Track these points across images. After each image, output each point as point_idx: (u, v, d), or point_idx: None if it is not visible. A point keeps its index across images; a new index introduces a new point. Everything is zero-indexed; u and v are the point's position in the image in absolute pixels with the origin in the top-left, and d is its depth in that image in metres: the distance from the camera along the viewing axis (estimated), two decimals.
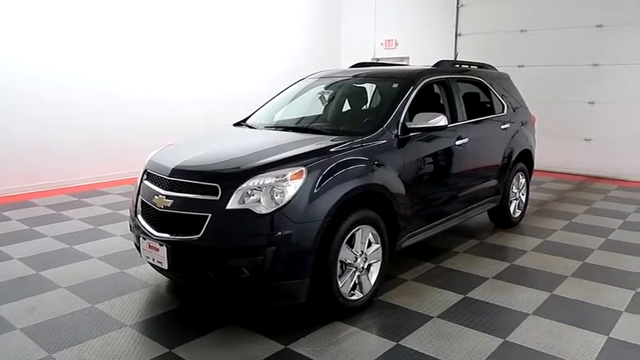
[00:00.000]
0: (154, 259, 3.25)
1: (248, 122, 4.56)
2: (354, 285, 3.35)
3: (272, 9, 9.73)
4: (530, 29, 8.80)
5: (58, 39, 6.95)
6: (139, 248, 3.45)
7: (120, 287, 3.81)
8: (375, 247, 3.46)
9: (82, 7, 7.13)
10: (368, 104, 4.75)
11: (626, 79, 7.94)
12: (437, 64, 4.75)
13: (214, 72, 8.85)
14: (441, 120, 3.77)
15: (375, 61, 9.30)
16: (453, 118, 4.41)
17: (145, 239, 3.30)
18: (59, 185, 7.09)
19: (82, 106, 7.27)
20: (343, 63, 10.54)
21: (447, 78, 4.58)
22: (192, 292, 3.72)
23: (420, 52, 9.80)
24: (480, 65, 5.49)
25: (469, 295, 3.72)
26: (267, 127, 4.32)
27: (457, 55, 9.34)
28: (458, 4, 9.55)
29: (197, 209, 3.06)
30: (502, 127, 5.15)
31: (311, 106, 4.85)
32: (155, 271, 3.75)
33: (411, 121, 3.85)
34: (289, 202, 2.97)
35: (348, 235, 3.22)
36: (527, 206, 5.84)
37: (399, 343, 3.03)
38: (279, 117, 4.64)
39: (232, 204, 2.99)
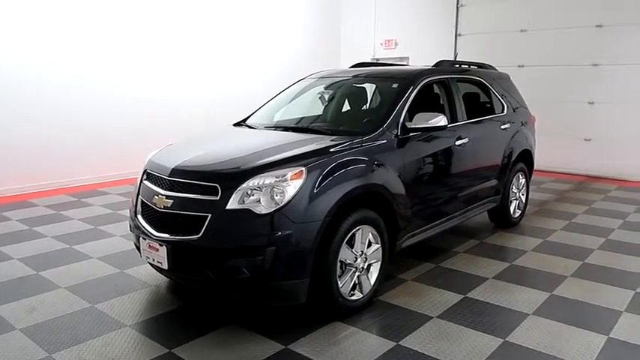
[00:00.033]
0: (153, 260, 3.25)
1: (248, 122, 4.56)
2: (354, 285, 3.35)
3: (272, 9, 9.73)
4: (530, 29, 8.80)
5: (58, 39, 6.95)
6: (138, 248, 3.45)
7: (120, 287, 3.81)
8: (375, 247, 3.46)
9: (82, 7, 7.13)
10: (368, 104, 4.75)
11: (626, 79, 7.95)
12: (437, 64, 4.75)
13: (214, 72, 8.86)
14: (441, 120, 3.77)
15: (375, 61, 9.29)
16: (452, 118, 4.41)
17: (144, 239, 3.30)
18: (59, 185, 7.09)
19: (82, 106, 7.27)
20: (343, 63, 10.54)
21: (447, 78, 4.58)
22: (192, 292, 3.72)
23: (420, 52, 9.81)
24: (480, 65, 5.49)
25: (469, 295, 3.72)
26: (267, 127, 4.31)
27: (457, 55, 9.32)
28: (458, 4, 9.55)
29: (197, 209, 3.06)
30: (502, 127, 5.15)
31: (311, 106, 4.85)
32: (155, 271, 3.75)
33: (410, 121, 3.85)
34: (289, 202, 2.96)
35: (348, 235, 3.22)
36: (527, 206, 5.84)
37: (399, 343, 3.02)
38: (279, 117, 4.64)
39: (232, 204, 2.99)
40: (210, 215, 3.00)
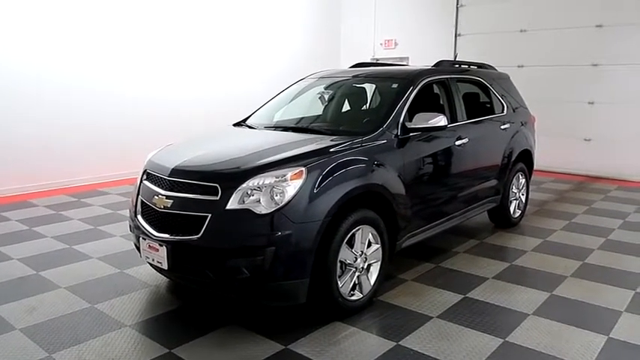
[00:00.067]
0: (153, 260, 3.24)
1: (248, 122, 4.55)
2: (354, 285, 3.35)
3: (272, 9, 9.73)
4: (530, 29, 8.80)
5: (58, 39, 6.95)
6: (138, 248, 3.44)
7: (120, 287, 3.81)
8: (374, 247, 3.46)
9: (82, 7, 7.13)
10: (368, 104, 4.75)
11: (626, 79, 7.95)
12: (436, 64, 4.75)
13: (214, 72, 8.86)
14: (441, 120, 3.77)
15: (375, 62, 9.30)
16: (452, 119, 4.41)
17: (144, 239, 3.30)
18: (59, 185, 7.09)
19: (82, 106, 7.27)
20: (343, 63, 10.54)
21: (447, 78, 4.58)
22: (192, 293, 3.71)
23: (420, 53, 9.81)
24: (480, 65, 5.49)
25: (469, 295, 3.72)
26: (267, 127, 4.31)
27: (457, 56, 9.30)
28: (457, 4, 9.55)
29: (197, 209, 3.06)
30: (502, 127, 5.15)
31: (311, 106, 4.85)
32: (155, 271, 3.75)
33: (410, 121, 3.85)
34: (289, 202, 2.96)
35: (348, 236, 3.22)
36: (527, 206, 5.84)
37: (399, 343, 3.02)
38: (278, 117, 4.64)
39: (232, 204, 2.99)
40: (210, 215, 3.00)
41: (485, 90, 5.23)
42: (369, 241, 3.41)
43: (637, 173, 8.01)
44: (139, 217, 3.44)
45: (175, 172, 3.26)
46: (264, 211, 2.95)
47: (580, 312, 3.47)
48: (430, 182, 4.13)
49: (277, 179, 3.02)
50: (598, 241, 5.02)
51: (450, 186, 4.39)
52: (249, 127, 4.43)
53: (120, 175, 7.59)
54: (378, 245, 3.48)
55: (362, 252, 3.37)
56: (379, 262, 3.51)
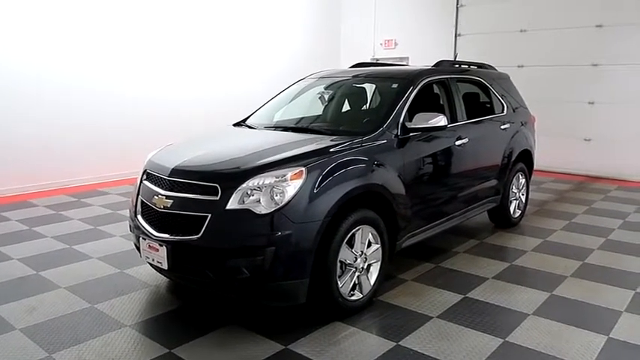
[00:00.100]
0: (153, 260, 3.24)
1: (248, 122, 4.55)
2: (354, 285, 3.35)
3: (272, 9, 9.73)
4: (529, 29, 8.80)
5: (58, 39, 6.95)
6: (138, 248, 3.44)
7: (120, 287, 3.81)
8: (374, 247, 3.46)
9: (82, 7, 7.13)
10: (368, 104, 4.75)
11: (626, 79, 7.95)
12: (436, 64, 4.75)
13: (214, 72, 8.86)
14: (441, 120, 3.77)
15: (375, 62, 9.30)
16: (452, 119, 4.41)
17: (144, 239, 3.30)
18: (59, 185, 7.09)
19: (82, 106, 7.27)
20: (343, 63, 10.54)
21: (447, 78, 4.58)
22: (192, 293, 3.71)
23: (420, 52, 9.81)
24: (480, 65, 5.49)
25: (469, 295, 3.72)
26: (267, 127, 4.31)
27: (457, 56, 9.30)
28: (457, 4, 9.55)
29: (197, 209, 3.06)
30: (502, 127, 5.15)
31: (311, 106, 4.85)
32: (155, 271, 3.75)
33: (410, 121, 3.85)
34: (289, 202, 2.96)
35: (348, 236, 3.22)
36: (527, 206, 5.84)
37: (399, 343, 3.02)
38: (278, 117, 4.64)
39: (232, 204, 2.99)
40: (210, 215, 3.00)
41: (485, 90, 5.23)
42: (369, 241, 3.41)
43: (637, 173, 8.00)
44: (139, 217, 3.44)
45: (175, 172, 3.26)
46: (264, 211, 2.95)
47: (580, 312, 3.47)
48: (430, 182, 4.13)
49: (277, 179, 3.02)
50: (598, 241, 5.02)
51: (450, 186, 4.39)
52: (249, 127, 4.43)
53: (120, 175, 7.59)
54: (378, 245, 3.48)
55: (362, 252, 3.37)
56: (379, 262, 3.51)
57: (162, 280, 3.93)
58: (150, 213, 3.34)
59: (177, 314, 3.42)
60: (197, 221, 3.03)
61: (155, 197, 3.28)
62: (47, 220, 5.58)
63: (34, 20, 6.69)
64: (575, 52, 8.37)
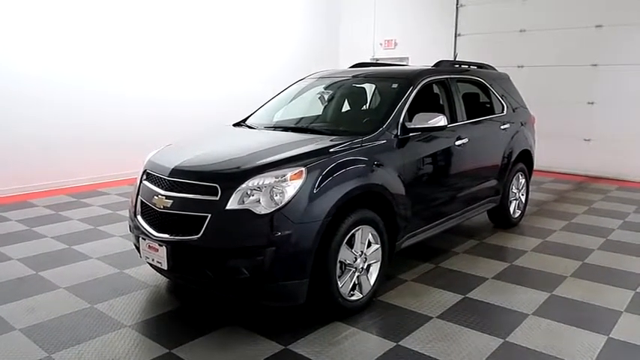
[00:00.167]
0: (153, 260, 3.24)
1: (247, 122, 4.55)
2: (354, 285, 3.35)
3: (271, 9, 9.73)
4: (529, 29, 8.80)
5: (59, 40, 6.94)
6: (138, 249, 3.44)
7: (119, 288, 3.81)
8: (374, 247, 3.46)
9: (83, 7, 7.12)
10: (367, 104, 4.75)
11: (626, 79, 7.95)
12: (436, 65, 4.75)
13: (214, 72, 8.85)
14: (441, 120, 3.77)
15: (375, 62, 9.29)
16: (452, 119, 4.41)
17: (144, 240, 3.29)
18: (58, 185, 7.09)
19: (82, 106, 7.27)
20: (343, 63, 10.53)
21: (447, 78, 4.58)
22: (192, 293, 3.71)
23: (420, 53, 9.80)
24: (480, 65, 5.49)
25: (469, 295, 3.72)
26: (267, 128, 4.31)
27: (457, 56, 9.33)
28: (457, 4, 9.55)
29: (197, 209, 3.06)
30: (502, 127, 5.15)
31: (310, 106, 4.85)
32: (155, 271, 3.75)
33: (410, 121, 3.85)
34: (289, 202, 2.96)
35: (348, 236, 3.22)
36: (527, 206, 5.84)
37: (399, 343, 3.02)
38: (278, 117, 4.64)
39: (232, 204, 2.99)
40: (209, 215, 3.00)
41: (485, 90, 5.23)
42: (368, 241, 3.41)
43: (637, 173, 8.01)
44: (139, 217, 3.44)
45: (175, 172, 3.26)
46: (263, 212, 2.95)
47: (580, 312, 3.47)
48: (430, 182, 4.13)
49: (277, 179, 3.02)
50: (598, 241, 5.02)
51: (449, 186, 4.39)
52: (249, 127, 4.43)
53: (120, 175, 7.59)
54: (378, 245, 3.48)
55: (362, 252, 3.37)
56: (379, 263, 3.51)
57: (162, 280, 3.93)
58: (150, 213, 3.34)
59: (177, 314, 3.42)
60: (197, 221, 3.03)
61: (155, 197, 3.28)
62: (47, 221, 5.58)
63: (35, 21, 6.69)
64: (575, 52, 8.37)
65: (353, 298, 3.34)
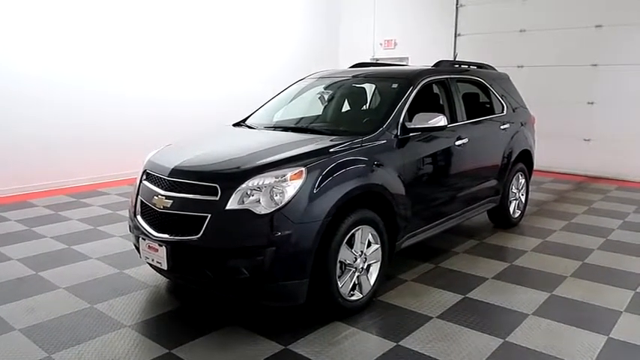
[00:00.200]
0: (153, 260, 3.24)
1: (247, 122, 4.55)
2: (354, 285, 3.35)
3: (271, 9, 9.73)
4: (529, 29, 8.80)
5: (59, 40, 6.94)
6: (138, 249, 3.44)
7: (119, 288, 3.81)
8: (374, 247, 3.46)
9: (83, 8, 7.12)
10: (367, 104, 4.75)
11: (626, 79, 7.95)
12: (436, 65, 4.75)
13: (214, 72, 8.85)
14: (441, 120, 3.77)
15: (375, 62, 9.29)
16: (452, 119, 4.41)
17: (144, 240, 3.29)
18: (58, 185, 7.09)
19: (82, 106, 7.27)
20: (342, 63, 10.53)
21: (447, 78, 4.57)
22: (192, 293, 3.71)
23: (420, 52, 9.80)
24: (480, 65, 5.49)
25: (469, 295, 3.72)
26: (267, 128, 4.31)
27: (456, 56, 9.34)
28: (457, 4, 9.55)
29: (196, 209, 3.06)
30: (502, 127, 5.15)
31: (310, 106, 4.85)
32: (154, 271, 3.75)
33: (410, 121, 3.85)
34: (289, 202, 2.96)
35: (348, 236, 3.22)
36: (527, 206, 5.84)
37: (399, 343, 3.02)
38: (278, 117, 4.64)
39: (232, 204, 2.99)
40: (209, 215, 3.00)
41: (485, 90, 5.23)
42: (368, 241, 3.41)
43: (637, 173, 8.01)
44: (139, 217, 3.44)
45: (175, 172, 3.26)
46: (263, 212, 2.95)
47: (580, 312, 3.47)
48: (430, 182, 4.13)
49: (277, 179, 3.02)
50: (598, 241, 5.02)
51: (449, 186, 4.39)
52: (249, 127, 4.43)
53: (120, 175, 7.58)
54: (378, 245, 3.48)
55: (362, 252, 3.37)
56: (379, 263, 3.51)
57: (161, 280, 3.93)
58: (149, 213, 3.34)
59: (177, 314, 3.42)
60: (197, 221, 3.03)
61: (155, 197, 3.27)
62: (47, 221, 5.58)
63: (35, 21, 6.68)
64: (575, 52, 8.37)
65: (353, 298, 3.34)
